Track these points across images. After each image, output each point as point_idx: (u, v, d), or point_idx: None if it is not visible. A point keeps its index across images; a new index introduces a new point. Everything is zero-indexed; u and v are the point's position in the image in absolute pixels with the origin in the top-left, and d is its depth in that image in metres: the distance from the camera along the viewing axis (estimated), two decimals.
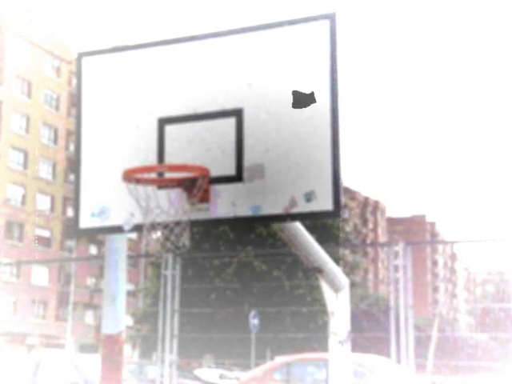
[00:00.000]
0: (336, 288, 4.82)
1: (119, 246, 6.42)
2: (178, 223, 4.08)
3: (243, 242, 31.40)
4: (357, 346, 6.47)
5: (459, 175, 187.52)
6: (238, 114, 4.20)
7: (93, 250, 55.74)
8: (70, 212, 52.14)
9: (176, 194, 4.17)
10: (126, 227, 4.30)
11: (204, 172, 4.10)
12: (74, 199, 4.55)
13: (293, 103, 4.13)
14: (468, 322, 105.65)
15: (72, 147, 53.22)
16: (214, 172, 4.15)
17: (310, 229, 4.83)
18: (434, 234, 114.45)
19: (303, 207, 4.06)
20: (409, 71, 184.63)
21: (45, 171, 54.49)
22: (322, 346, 5.87)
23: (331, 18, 4.16)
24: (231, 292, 31.35)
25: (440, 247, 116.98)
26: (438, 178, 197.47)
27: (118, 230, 4.38)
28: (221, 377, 24.61)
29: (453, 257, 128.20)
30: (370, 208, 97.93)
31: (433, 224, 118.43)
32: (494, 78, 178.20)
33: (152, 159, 4.29)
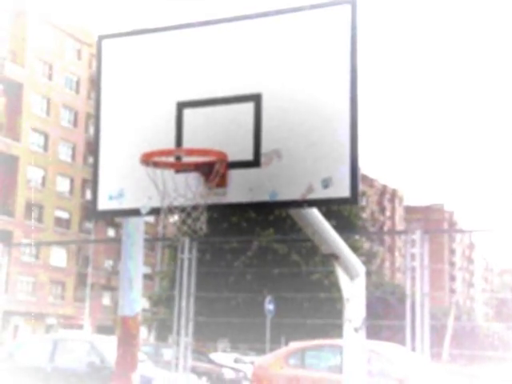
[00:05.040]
0: (352, 275, 4.82)
1: (136, 229, 6.47)
2: (195, 207, 4.09)
3: (263, 223, 31.33)
4: (372, 333, 6.46)
5: (479, 164, 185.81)
6: (256, 99, 4.18)
7: (111, 232, 56.16)
8: (88, 194, 52.48)
9: (193, 178, 4.18)
10: (144, 210, 4.32)
11: (222, 156, 4.10)
12: (92, 181, 4.57)
13: (311, 89, 4.11)
14: (485, 311, 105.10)
15: (91, 130, 53.45)
16: (232, 157, 4.14)
17: (327, 215, 4.82)
18: (452, 223, 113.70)
19: (320, 193, 4.04)
20: (429, 59, 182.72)
21: (64, 153, 54.87)
22: (338, 332, 5.86)
23: (352, 2, 4.13)
24: (248, 276, 31.40)
25: (458, 236, 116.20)
26: (457, 166, 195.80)
27: (135, 212, 4.40)
28: (235, 361, 24.76)
29: (471, 246, 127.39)
30: (387, 196, 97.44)
31: (451, 213, 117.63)
32: None
33: (170, 143, 4.30)
